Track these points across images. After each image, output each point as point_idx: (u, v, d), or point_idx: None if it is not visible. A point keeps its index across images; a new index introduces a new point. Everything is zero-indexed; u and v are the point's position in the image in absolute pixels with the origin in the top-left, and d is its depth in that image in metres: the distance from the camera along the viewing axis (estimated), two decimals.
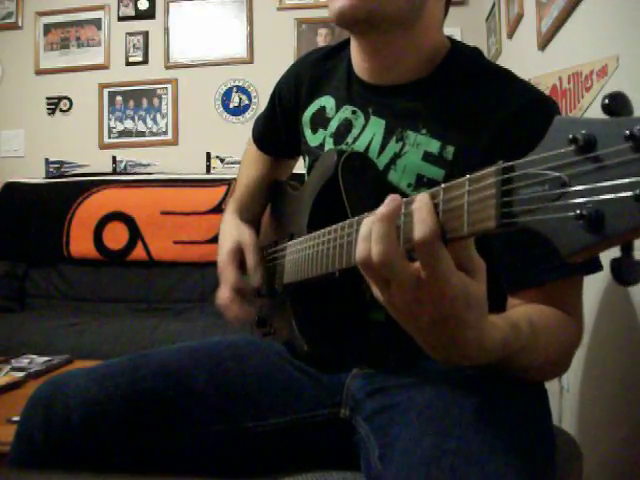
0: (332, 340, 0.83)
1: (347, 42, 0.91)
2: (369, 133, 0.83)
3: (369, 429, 0.72)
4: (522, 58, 1.84)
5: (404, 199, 0.51)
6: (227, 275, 0.95)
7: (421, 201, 0.49)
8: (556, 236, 0.37)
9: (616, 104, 0.35)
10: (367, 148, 0.83)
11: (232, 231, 1.01)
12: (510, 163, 0.42)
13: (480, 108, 0.76)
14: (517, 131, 0.71)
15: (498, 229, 0.42)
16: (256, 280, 0.94)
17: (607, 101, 0.35)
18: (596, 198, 0.35)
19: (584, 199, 0.35)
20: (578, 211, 0.35)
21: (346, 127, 0.86)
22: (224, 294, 0.95)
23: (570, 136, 0.36)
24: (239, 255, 0.97)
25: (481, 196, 0.44)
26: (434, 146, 0.77)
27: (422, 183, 0.77)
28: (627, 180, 0.33)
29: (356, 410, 0.78)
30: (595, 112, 1.17)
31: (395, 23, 0.77)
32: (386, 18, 0.75)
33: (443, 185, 0.48)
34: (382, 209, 0.51)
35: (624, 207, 0.33)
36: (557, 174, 0.37)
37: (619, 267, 0.35)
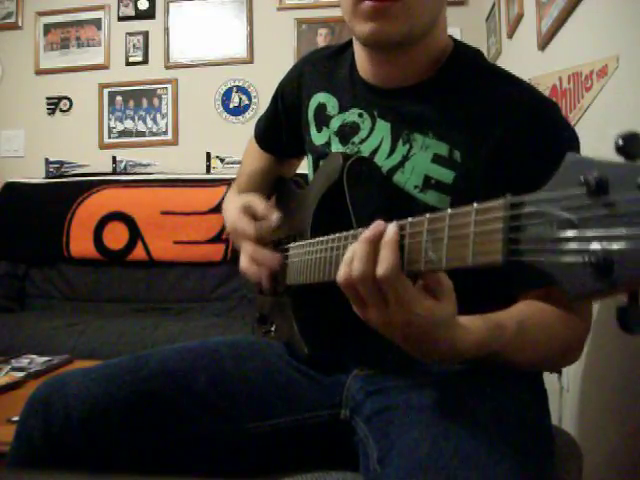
0: (332, 342, 0.83)
1: (350, 43, 0.91)
2: (378, 135, 0.83)
3: (368, 431, 0.72)
4: (522, 58, 1.84)
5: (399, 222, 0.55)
6: (243, 227, 0.88)
7: (387, 235, 0.54)
8: (562, 278, 0.37)
9: (630, 145, 0.34)
10: (376, 150, 0.83)
11: (236, 202, 0.95)
12: (519, 199, 0.41)
13: (484, 112, 0.76)
14: (522, 138, 0.71)
15: (504, 265, 0.42)
16: (274, 218, 0.86)
17: (621, 142, 0.34)
18: (606, 245, 0.34)
19: (593, 244, 0.35)
20: (587, 258, 0.35)
21: (353, 129, 0.86)
22: (247, 249, 0.88)
23: (582, 178, 0.36)
24: (249, 211, 0.90)
25: (488, 228, 0.43)
26: (443, 149, 0.77)
27: (429, 185, 0.77)
28: (639, 230, 0.33)
29: (356, 411, 0.77)
30: (595, 112, 1.17)
31: (418, 37, 0.77)
32: (415, 37, 0.76)
33: (449, 211, 0.49)
34: (366, 233, 0.56)
35: (634, 257, 0.33)
36: (567, 215, 0.37)
37: (626, 315, 0.35)
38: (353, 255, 0.56)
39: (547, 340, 0.70)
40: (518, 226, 0.41)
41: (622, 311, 0.35)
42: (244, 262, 0.89)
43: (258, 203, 0.90)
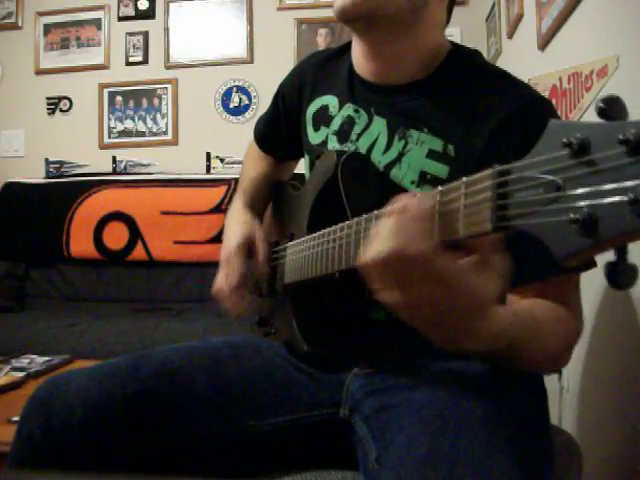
0: (332, 340, 0.83)
1: (349, 44, 0.91)
2: (374, 131, 0.84)
3: (366, 429, 0.72)
4: (522, 58, 1.84)
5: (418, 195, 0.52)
6: (234, 264, 0.94)
7: (420, 206, 0.49)
8: (550, 239, 0.38)
9: (611, 108, 0.35)
10: (372, 145, 0.83)
11: (242, 223, 1.00)
12: (506, 166, 0.42)
13: (479, 108, 0.76)
14: (514, 132, 0.72)
15: (494, 232, 0.42)
16: (265, 272, 0.94)
17: (602, 105, 0.35)
18: (590, 202, 0.35)
19: (578, 203, 0.35)
20: (572, 215, 0.35)
21: (349, 124, 0.87)
22: (231, 281, 0.93)
23: (564, 140, 0.37)
24: (248, 248, 0.96)
25: (477, 199, 0.44)
26: (437, 144, 0.78)
27: (425, 180, 0.78)
28: (621, 184, 0.33)
29: (355, 410, 0.78)
30: (595, 113, 1.16)
31: (395, 22, 0.77)
32: (387, 16, 0.76)
33: (440, 188, 0.49)
34: (396, 205, 0.51)
35: (618, 211, 0.33)
36: (552, 178, 0.38)
37: (613, 271, 0.35)
38: (390, 229, 0.50)
39: (552, 334, 0.68)
40: (506, 193, 0.41)
41: (610, 266, 0.35)
42: (228, 289, 0.93)
43: (260, 242, 0.96)
